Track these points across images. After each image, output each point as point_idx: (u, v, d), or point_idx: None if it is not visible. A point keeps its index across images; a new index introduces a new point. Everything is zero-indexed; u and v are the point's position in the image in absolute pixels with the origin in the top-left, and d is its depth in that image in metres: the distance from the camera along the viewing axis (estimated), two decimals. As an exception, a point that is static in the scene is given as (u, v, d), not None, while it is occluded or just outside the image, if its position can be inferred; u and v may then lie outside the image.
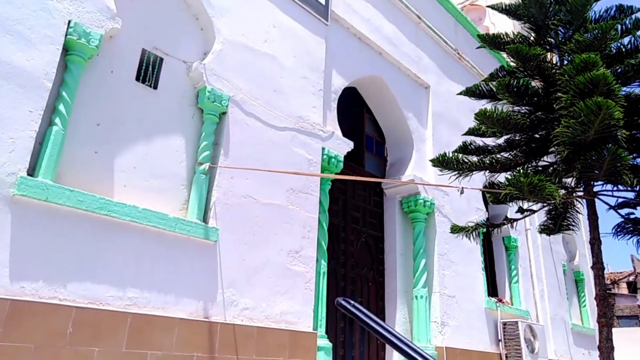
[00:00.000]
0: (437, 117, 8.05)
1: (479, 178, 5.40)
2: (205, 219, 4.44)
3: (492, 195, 4.34)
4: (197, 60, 4.76)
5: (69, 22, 3.79)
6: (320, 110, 5.89)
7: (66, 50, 3.81)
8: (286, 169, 5.10)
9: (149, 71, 4.41)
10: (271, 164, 5.01)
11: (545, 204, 4.01)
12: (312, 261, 5.27)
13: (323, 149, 5.78)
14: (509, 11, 4.85)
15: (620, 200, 4.04)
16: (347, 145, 6.14)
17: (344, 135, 6.26)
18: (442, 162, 4.69)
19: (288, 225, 5.07)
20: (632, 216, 4.07)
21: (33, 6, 3.62)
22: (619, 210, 4.07)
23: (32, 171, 3.51)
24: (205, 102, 4.64)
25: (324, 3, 6.27)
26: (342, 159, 5.99)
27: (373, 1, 7.27)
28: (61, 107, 3.69)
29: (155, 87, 4.45)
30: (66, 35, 3.76)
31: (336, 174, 5.90)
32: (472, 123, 5.02)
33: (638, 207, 4.08)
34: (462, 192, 3.82)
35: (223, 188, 4.58)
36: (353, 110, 7.36)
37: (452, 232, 5.27)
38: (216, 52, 4.84)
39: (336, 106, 6.28)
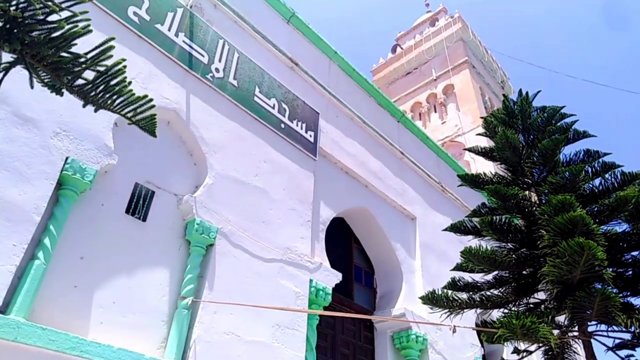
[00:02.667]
0: (425, 248, 8.09)
1: (472, 313, 5.27)
2: (184, 359, 4.16)
3: (486, 334, 4.19)
4: (188, 193, 4.87)
5: (67, 158, 3.93)
6: (308, 241, 5.90)
7: (60, 184, 3.90)
8: (273, 303, 4.93)
9: (139, 204, 4.48)
10: (257, 298, 4.86)
11: (540, 345, 3.86)
12: (298, 407, 4.84)
13: (311, 281, 5.67)
14: (485, 154, 5.18)
15: (617, 340, 3.91)
16: (336, 277, 6.04)
17: (332, 266, 6.20)
18: (432, 300, 4.60)
19: (272, 366, 4.75)
20: (632, 359, 3.90)
21: (34, 144, 3.78)
22: (618, 352, 3.91)
23: (5, 307, 3.34)
24: (193, 234, 4.64)
25: (312, 140, 6.66)
26: (330, 291, 5.85)
27: (359, 138, 7.75)
28: (46, 241, 3.65)
29: (144, 220, 4.48)
30: (62, 170, 3.87)
31: (325, 307, 5.71)
32: (459, 255, 5.04)
33: (637, 348, 3.93)
34: (454, 331, 3.68)
35: (205, 324, 4.37)
36: (341, 240, 7.40)
37: None
38: (207, 185, 4.99)
39: (324, 237, 6.31)
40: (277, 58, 6.83)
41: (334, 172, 7.06)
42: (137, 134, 4.63)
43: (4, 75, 1.52)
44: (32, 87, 1.55)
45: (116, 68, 1.59)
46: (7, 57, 1.43)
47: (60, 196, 3.89)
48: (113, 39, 1.57)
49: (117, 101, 1.67)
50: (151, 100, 1.75)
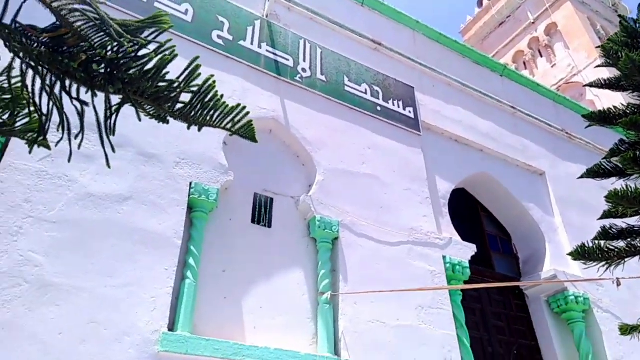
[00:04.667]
0: (563, 202, 7.38)
1: (636, 262, 4.66)
2: (336, 352, 4.28)
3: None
4: (303, 193, 5.01)
5: (190, 183, 4.28)
6: (431, 218, 5.72)
7: (190, 208, 4.25)
8: (409, 286, 4.86)
9: (262, 212, 4.72)
10: (392, 283, 4.83)
11: None
12: (459, 385, 4.71)
13: (444, 257, 5.49)
14: (610, 85, 4.56)
15: None
16: (470, 249, 5.77)
17: (464, 239, 5.93)
18: (583, 254, 4.14)
19: (424, 347, 4.67)
20: None
21: (161, 177, 4.18)
22: None
23: (172, 325, 3.72)
24: (317, 231, 4.76)
25: (412, 116, 6.46)
26: (467, 264, 5.60)
27: (462, 103, 7.33)
28: (191, 261, 4.01)
29: (269, 226, 4.70)
30: (189, 195, 4.22)
31: (465, 282, 5.49)
32: (604, 201, 4.49)
33: None
34: (619, 284, 3.27)
35: (348, 315, 4.45)
36: (467, 212, 7.06)
37: (622, 333, 4.43)
38: (319, 182, 5.09)
39: (448, 211, 6.07)
40: (360, 43, 6.75)
41: (442, 143, 6.77)
42: (244, 148, 4.90)
43: (117, 115, 1.68)
44: (139, 119, 1.70)
45: (207, 84, 1.68)
46: (115, 98, 1.59)
47: (194, 219, 4.24)
48: (197, 58, 1.65)
49: (215, 115, 1.76)
50: (244, 108, 1.81)
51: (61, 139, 1.69)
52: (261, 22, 5.76)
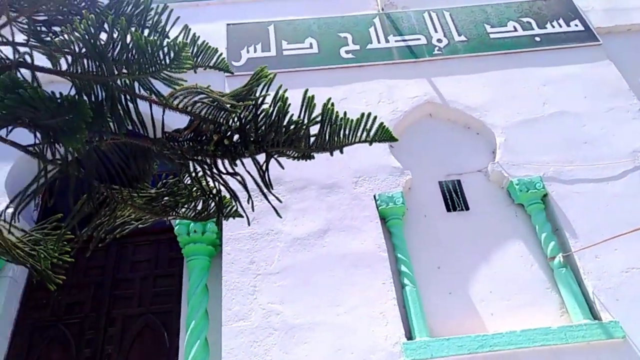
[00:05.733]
0: None
1: None
2: (594, 315, 3.76)
3: None
4: (489, 163, 4.64)
5: (374, 196, 4.36)
6: (659, 130, 4.68)
7: (383, 219, 4.32)
8: (658, 216, 4.02)
9: (454, 198, 4.51)
10: (633, 219, 4.05)
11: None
12: None
13: (694, 168, 4.40)
14: None
15: None
16: None
17: None
18: None
19: None
20: None
21: (347, 201, 4.35)
22: None
23: (408, 334, 3.78)
24: (520, 196, 4.33)
25: (581, 27, 5.48)
26: None
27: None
28: (403, 268, 4.04)
29: (467, 209, 4.47)
30: (377, 208, 4.30)
31: None
32: None
33: None
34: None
35: (593, 272, 3.89)
36: None
37: None
38: (502, 144, 4.65)
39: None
40: (489, -18, 6.09)
41: (634, 40, 5.55)
42: (411, 143, 4.81)
43: (267, 171, 1.83)
44: (282, 167, 1.81)
45: (326, 109, 1.70)
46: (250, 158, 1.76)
47: (390, 227, 4.29)
48: (307, 91, 1.70)
49: (347, 133, 1.77)
50: (370, 114, 1.78)
51: (231, 207, 1.93)
52: (379, 18, 5.69)
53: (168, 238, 4.66)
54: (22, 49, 1.88)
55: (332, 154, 1.92)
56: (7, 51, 1.94)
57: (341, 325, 3.72)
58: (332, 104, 1.73)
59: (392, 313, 3.77)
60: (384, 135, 1.80)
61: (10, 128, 1.69)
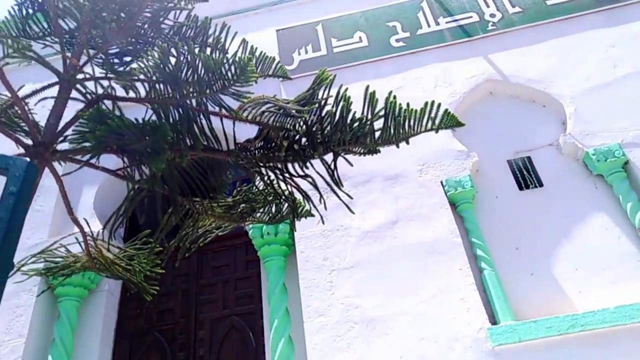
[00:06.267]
0: None
1: None
2: (695, 286, 3.50)
3: None
4: (559, 135, 4.43)
5: (441, 182, 4.30)
6: None
7: (453, 204, 4.25)
8: None
9: (525, 176, 4.35)
10: None
11: None
12: None
13: None
14: None
15: None
16: None
17: None
18: None
19: None
20: None
21: (413, 189, 4.33)
22: None
23: (493, 319, 3.70)
24: (597, 166, 4.10)
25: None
26: None
27: None
28: (479, 252, 3.96)
29: (541, 185, 4.29)
30: (446, 194, 4.24)
31: None
32: None
33: None
34: None
35: (690, 240, 3.61)
36: None
37: None
38: (572, 114, 4.42)
39: None
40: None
41: None
42: (475, 124, 4.69)
43: (335, 170, 1.88)
44: (351, 165, 1.85)
45: (390, 102, 1.72)
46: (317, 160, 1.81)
47: (461, 212, 4.21)
48: (367, 87, 1.73)
49: (411, 124, 1.77)
50: (433, 102, 1.77)
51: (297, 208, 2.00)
52: (427, 1, 5.57)
53: (243, 242, 4.86)
54: (102, 81, 2.06)
55: (398, 146, 1.93)
56: (90, 85, 2.12)
57: (421, 315, 3.71)
58: (395, 97, 1.75)
59: (472, 298, 3.71)
60: (449, 121, 1.79)
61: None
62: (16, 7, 2.26)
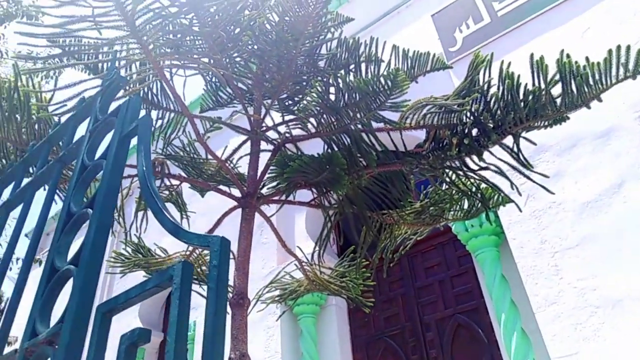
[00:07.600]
0: None
1: None
2: None
3: None
4: None
5: None
6: None
7: None
8: None
9: None
10: None
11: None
12: None
13: None
14: None
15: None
16: None
17: None
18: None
19: None
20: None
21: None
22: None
23: None
24: None
25: None
26: None
27: None
28: None
29: None
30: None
31: None
32: None
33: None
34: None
35: None
36: None
37: None
38: None
39: None
40: None
41: None
42: None
43: (522, 153, 1.71)
44: (534, 144, 1.67)
45: (562, 64, 1.49)
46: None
47: None
48: (509, 66, 1.54)
49: (598, 78, 1.50)
50: (619, 46, 1.48)
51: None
52: None
53: (449, 239, 4.76)
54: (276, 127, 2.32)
55: (589, 107, 1.67)
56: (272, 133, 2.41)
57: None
58: (568, 55, 1.52)
59: None
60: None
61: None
62: (209, 85, 2.73)
